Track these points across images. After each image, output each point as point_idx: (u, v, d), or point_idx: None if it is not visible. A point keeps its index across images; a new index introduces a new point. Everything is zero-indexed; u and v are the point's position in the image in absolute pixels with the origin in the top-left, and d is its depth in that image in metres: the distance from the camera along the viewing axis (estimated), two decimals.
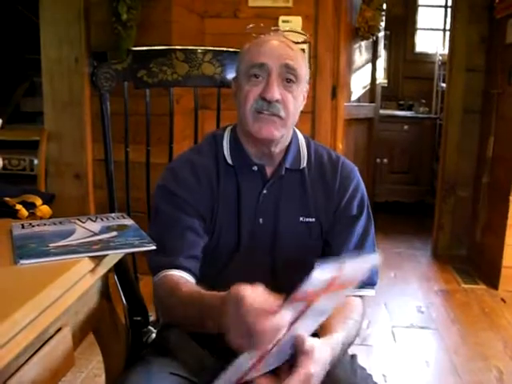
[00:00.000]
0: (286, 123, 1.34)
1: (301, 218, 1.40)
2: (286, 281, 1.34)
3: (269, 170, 1.42)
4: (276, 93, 1.30)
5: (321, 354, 1.08)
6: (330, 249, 1.42)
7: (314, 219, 1.40)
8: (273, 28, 1.41)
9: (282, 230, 1.39)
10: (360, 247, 1.41)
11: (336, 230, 1.41)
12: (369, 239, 1.44)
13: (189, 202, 1.37)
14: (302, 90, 1.38)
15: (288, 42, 1.36)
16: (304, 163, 1.43)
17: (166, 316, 1.38)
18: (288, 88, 1.33)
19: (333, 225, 1.41)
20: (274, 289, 1.33)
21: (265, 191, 1.40)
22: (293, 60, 1.32)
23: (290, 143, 1.43)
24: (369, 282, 1.40)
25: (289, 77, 1.32)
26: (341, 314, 1.29)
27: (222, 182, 1.40)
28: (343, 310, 1.33)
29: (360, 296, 1.40)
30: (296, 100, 1.35)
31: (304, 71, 1.36)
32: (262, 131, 1.33)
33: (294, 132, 1.47)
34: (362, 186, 1.47)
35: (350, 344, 1.29)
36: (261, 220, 1.39)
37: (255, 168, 1.41)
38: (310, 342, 1.06)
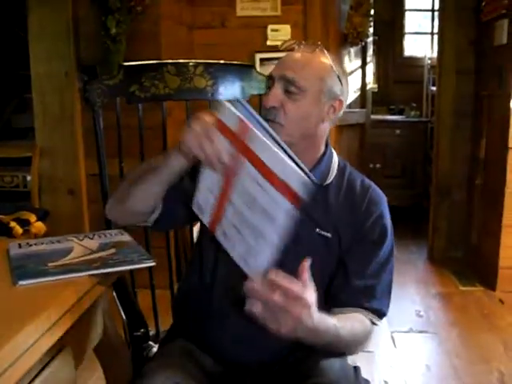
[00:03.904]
0: (286, 130, 1.34)
1: (317, 230, 1.39)
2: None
3: None
4: (269, 100, 1.34)
5: (312, 297, 1.09)
6: (345, 270, 1.40)
7: (330, 234, 1.39)
8: (303, 42, 1.43)
9: (296, 236, 1.36)
10: (375, 277, 1.40)
11: (356, 254, 1.40)
12: (386, 272, 1.42)
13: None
14: (314, 100, 1.36)
15: (306, 55, 1.37)
16: (328, 181, 1.44)
17: (117, 200, 1.38)
18: (291, 97, 1.34)
19: (352, 246, 1.40)
20: None
21: None
22: (295, 72, 1.33)
23: (321, 158, 1.44)
24: (379, 310, 1.40)
25: (288, 88, 1.34)
26: (343, 316, 1.31)
27: None
28: (348, 317, 1.33)
29: (369, 319, 1.39)
30: (301, 109, 1.35)
31: (311, 83, 1.34)
32: None
33: (330, 152, 1.48)
34: (388, 216, 1.45)
35: (344, 342, 1.28)
36: None
37: None
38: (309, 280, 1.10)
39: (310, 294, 1.09)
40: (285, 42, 1.50)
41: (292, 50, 1.42)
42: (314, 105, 1.36)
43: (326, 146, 1.47)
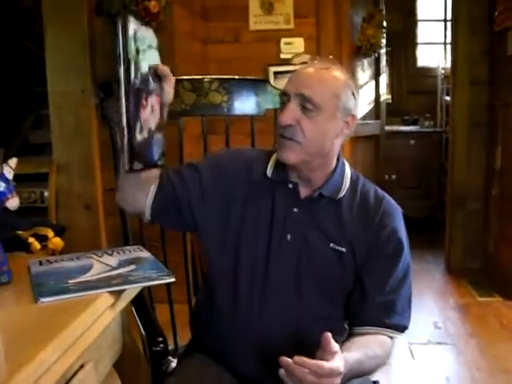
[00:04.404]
0: (304, 148, 1.35)
1: (331, 245, 1.39)
2: (312, 302, 1.37)
3: (304, 191, 1.43)
4: (285, 118, 1.33)
5: (341, 360, 1.16)
6: (364, 287, 1.40)
7: (344, 249, 1.39)
8: (317, 57, 1.42)
9: (310, 251, 1.39)
10: (394, 292, 1.40)
11: (373, 270, 1.40)
12: (405, 285, 1.42)
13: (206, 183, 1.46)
14: (330, 117, 1.35)
15: (320, 71, 1.36)
16: (341, 194, 1.43)
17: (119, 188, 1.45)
18: (307, 114, 1.33)
19: (368, 261, 1.40)
20: (300, 309, 1.36)
21: (295, 209, 1.41)
22: (311, 89, 1.32)
23: (333, 172, 1.44)
24: (400, 325, 1.41)
25: (305, 105, 1.33)
26: (363, 342, 1.34)
27: (257, 191, 1.45)
28: (369, 341, 1.35)
29: (390, 337, 1.40)
30: (318, 126, 1.34)
31: (327, 100, 1.34)
32: (280, 155, 1.39)
33: (343, 165, 1.48)
34: (403, 228, 1.45)
35: (365, 371, 1.31)
36: (289, 236, 1.40)
37: (290, 186, 1.43)
38: (336, 346, 1.15)
39: (339, 359, 1.15)
40: (297, 56, 1.51)
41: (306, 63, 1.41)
42: (329, 122, 1.36)
43: (338, 159, 1.47)
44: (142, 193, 1.43)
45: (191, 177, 1.47)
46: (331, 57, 1.44)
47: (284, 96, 1.38)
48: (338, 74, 1.38)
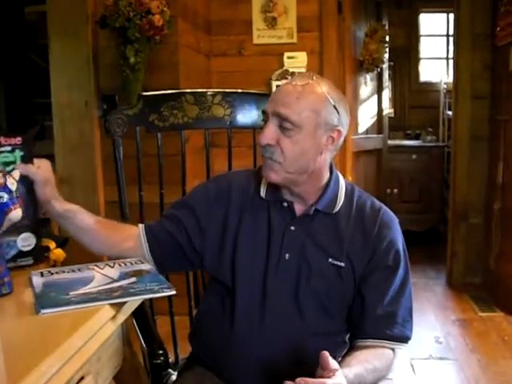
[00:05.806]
0: (284, 168, 1.35)
1: (330, 260, 1.38)
2: (312, 319, 1.37)
3: (299, 208, 1.43)
4: (263, 138, 1.34)
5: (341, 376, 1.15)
6: (364, 300, 1.39)
7: (343, 263, 1.38)
8: (296, 73, 1.41)
9: (309, 268, 1.39)
10: (394, 303, 1.39)
11: (373, 283, 1.39)
12: (405, 296, 1.41)
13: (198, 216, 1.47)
14: (310, 134, 1.33)
15: (297, 88, 1.33)
16: (337, 208, 1.42)
17: None
18: (286, 133, 1.32)
19: (368, 274, 1.39)
20: (299, 326, 1.35)
21: (292, 228, 1.40)
22: (287, 108, 1.31)
23: (326, 187, 1.43)
24: (402, 336, 1.40)
25: (283, 124, 1.32)
26: (363, 357, 1.33)
27: (252, 212, 1.45)
28: (368, 355, 1.34)
29: (393, 349, 1.40)
30: (298, 144, 1.33)
31: (306, 117, 1.31)
32: (263, 174, 1.40)
33: (336, 178, 1.47)
34: (401, 238, 1.44)
35: None
36: (287, 256, 1.39)
37: (285, 204, 1.42)
38: (335, 364, 1.14)
39: (340, 375, 1.14)
40: (276, 72, 1.51)
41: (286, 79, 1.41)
42: (310, 139, 1.34)
43: (331, 172, 1.46)
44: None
45: (185, 216, 1.48)
46: (310, 73, 1.40)
47: (264, 114, 1.38)
48: (317, 89, 1.34)
